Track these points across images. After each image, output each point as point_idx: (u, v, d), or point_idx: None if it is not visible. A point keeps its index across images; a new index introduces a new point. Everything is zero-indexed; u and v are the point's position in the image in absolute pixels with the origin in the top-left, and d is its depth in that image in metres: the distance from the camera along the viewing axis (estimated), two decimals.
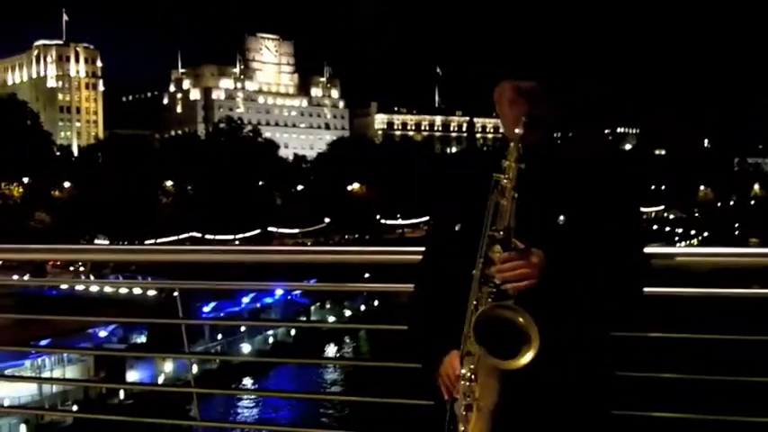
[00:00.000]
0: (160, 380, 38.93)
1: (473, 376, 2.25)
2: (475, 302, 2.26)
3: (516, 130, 2.30)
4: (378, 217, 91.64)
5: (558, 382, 2.32)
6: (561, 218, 2.34)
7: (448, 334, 2.36)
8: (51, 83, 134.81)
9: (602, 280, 2.33)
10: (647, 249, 2.54)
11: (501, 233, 2.23)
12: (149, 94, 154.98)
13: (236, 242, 73.26)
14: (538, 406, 2.32)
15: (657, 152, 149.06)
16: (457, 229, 2.45)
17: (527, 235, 2.26)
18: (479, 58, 2.58)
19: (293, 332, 50.08)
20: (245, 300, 51.17)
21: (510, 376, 2.18)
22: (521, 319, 2.16)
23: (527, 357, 2.13)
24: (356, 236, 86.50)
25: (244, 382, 40.50)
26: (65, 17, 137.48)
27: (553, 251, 2.27)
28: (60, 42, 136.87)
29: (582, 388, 2.37)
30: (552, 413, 2.34)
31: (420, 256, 2.74)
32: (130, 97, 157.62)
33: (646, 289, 2.56)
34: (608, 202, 2.40)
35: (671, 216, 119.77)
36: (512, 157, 2.26)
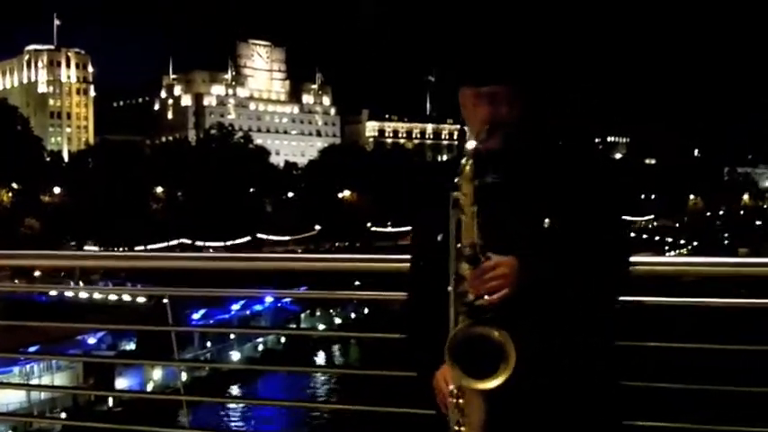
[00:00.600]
0: (149, 387, 38.77)
1: (459, 392, 2.23)
2: (453, 320, 2.23)
3: (468, 145, 2.27)
4: (368, 224, 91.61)
5: (545, 393, 2.29)
6: (546, 222, 2.30)
7: (439, 346, 2.31)
8: (42, 88, 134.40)
9: (581, 285, 2.30)
10: (633, 258, 2.49)
11: (467, 249, 2.20)
12: (140, 100, 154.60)
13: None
14: (527, 420, 2.29)
15: (647, 161, 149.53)
16: (439, 239, 2.39)
17: (504, 243, 2.23)
18: (442, 64, 2.56)
19: (283, 340, 50.00)
20: (235, 307, 51.04)
21: (496, 391, 2.15)
22: (495, 335, 2.13)
23: (503, 377, 2.11)
24: (347, 243, 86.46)
25: (233, 390, 40.38)
26: (56, 22, 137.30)
27: (531, 258, 2.23)
28: (52, 47, 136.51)
29: (571, 397, 2.32)
30: (543, 426, 2.31)
31: (408, 264, 2.72)
32: (121, 103, 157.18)
33: (635, 298, 2.55)
34: (588, 205, 2.35)
35: (660, 225, 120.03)
36: (465, 175, 2.22)
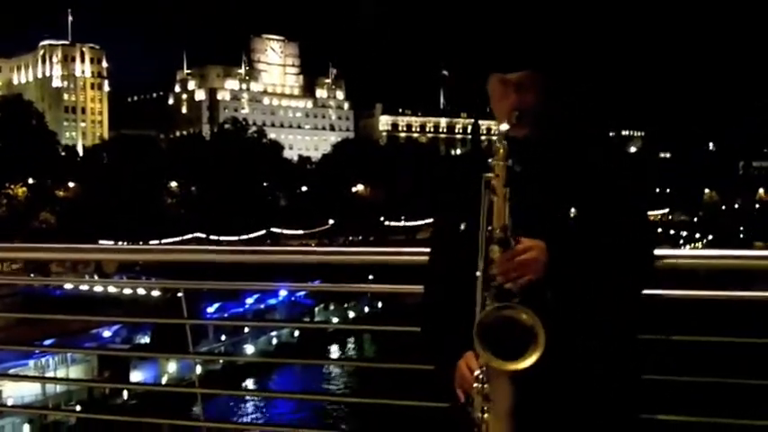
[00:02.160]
0: (164, 380, 38.97)
1: (485, 378, 2.21)
2: (481, 304, 2.21)
3: (501, 127, 2.27)
4: (382, 219, 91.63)
5: (572, 379, 2.28)
6: (573, 210, 2.31)
7: (461, 336, 2.30)
8: (57, 83, 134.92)
9: (607, 274, 2.29)
10: (656, 251, 2.49)
11: (498, 231, 2.20)
12: (154, 95, 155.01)
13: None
14: (554, 405, 2.28)
15: (662, 155, 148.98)
16: (462, 228, 2.40)
17: (531, 229, 2.24)
18: (466, 54, 2.56)
19: (297, 333, 50.15)
20: (250, 301, 51.26)
21: (523, 376, 2.14)
22: (524, 317, 2.12)
23: (533, 357, 2.09)
24: (360, 237, 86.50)
25: (247, 383, 40.53)
26: (70, 17, 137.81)
27: (559, 244, 2.24)
28: (66, 42, 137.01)
29: (599, 385, 2.32)
30: (570, 412, 2.30)
31: (424, 257, 2.71)
32: (135, 98, 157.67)
33: (650, 291, 2.54)
34: (613, 196, 2.36)
35: (676, 219, 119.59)
36: (499, 156, 2.23)
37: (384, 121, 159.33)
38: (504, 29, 2.47)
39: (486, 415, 2.22)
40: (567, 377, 2.27)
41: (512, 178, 2.23)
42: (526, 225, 2.24)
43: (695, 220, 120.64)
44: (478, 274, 2.23)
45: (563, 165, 2.38)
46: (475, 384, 2.23)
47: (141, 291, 50.74)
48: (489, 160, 2.25)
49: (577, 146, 2.45)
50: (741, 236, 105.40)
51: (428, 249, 2.68)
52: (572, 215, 2.31)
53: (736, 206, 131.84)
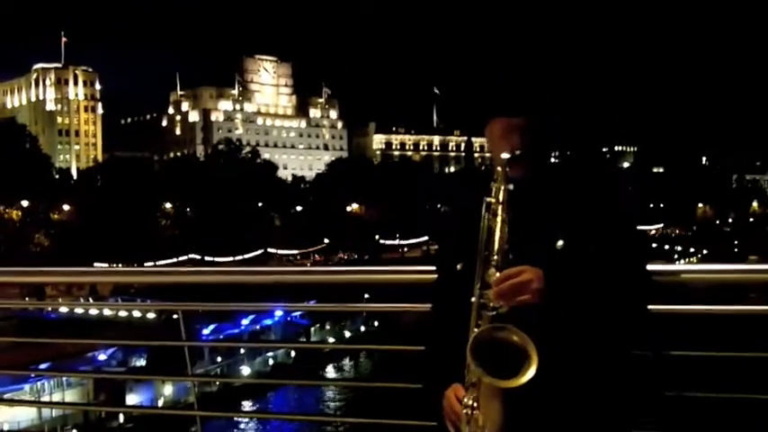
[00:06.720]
0: (160, 403, 38.75)
1: (475, 404, 2.20)
2: (475, 328, 2.22)
3: (503, 155, 2.32)
4: (376, 237, 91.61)
5: (563, 402, 2.28)
6: (560, 243, 2.31)
7: (453, 370, 2.31)
8: (50, 106, 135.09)
9: (605, 298, 2.29)
10: (649, 267, 2.50)
11: (495, 256, 2.21)
12: (148, 117, 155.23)
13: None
14: (545, 429, 2.28)
15: (655, 170, 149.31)
16: (459, 268, 2.41)
17: (527, 260, 2.24)
18: (472, 93, 2.58)
19: (293, 354, 50.00)
20: (245, 322, 51.09)
21: (513, 401, 2.14)
22: (515, 338, 2.12)
23: (527, 375, 2.08)
24: (355, 256, 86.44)
25: (244, 405, 40.32)
26: (63, 40, 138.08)
27: (554, 272, 2.23)
28: (59, 65, 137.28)
29: (591, 407, 2.32)
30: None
31: (420, 276, 2.72)
32: (129, 120, 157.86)
33: (649, 306, 2.55)
34: (607, 221, 2.38)
35: (670, 234, 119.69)
36: (500, 181, 2.27)
37: (378, 140, 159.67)
38: (511, 73, 2.49)
39: None
40: (560, 400, 2.27)
41: (511, 205, 2.26)
42: (524, 255, 2.25)
43: (690, 234, 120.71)
44: (473, 299, 2.24)
45: (554, 196, 2.41)
46: (463, 411, 2.23)
47: (137, 313, 50.64)
48: (491, 184, 2.29)
49: (568, 176, 2.49)
50: (736, 249, 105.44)
51: (421, 268, 2.70)
52: (563, 242, 2.32)
53: (731, 220, 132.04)
